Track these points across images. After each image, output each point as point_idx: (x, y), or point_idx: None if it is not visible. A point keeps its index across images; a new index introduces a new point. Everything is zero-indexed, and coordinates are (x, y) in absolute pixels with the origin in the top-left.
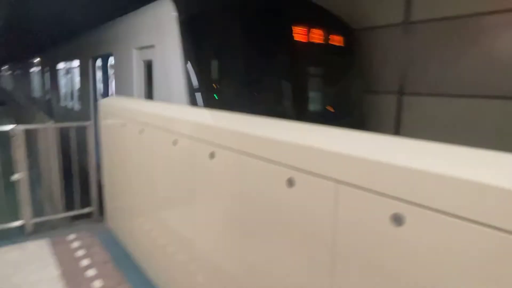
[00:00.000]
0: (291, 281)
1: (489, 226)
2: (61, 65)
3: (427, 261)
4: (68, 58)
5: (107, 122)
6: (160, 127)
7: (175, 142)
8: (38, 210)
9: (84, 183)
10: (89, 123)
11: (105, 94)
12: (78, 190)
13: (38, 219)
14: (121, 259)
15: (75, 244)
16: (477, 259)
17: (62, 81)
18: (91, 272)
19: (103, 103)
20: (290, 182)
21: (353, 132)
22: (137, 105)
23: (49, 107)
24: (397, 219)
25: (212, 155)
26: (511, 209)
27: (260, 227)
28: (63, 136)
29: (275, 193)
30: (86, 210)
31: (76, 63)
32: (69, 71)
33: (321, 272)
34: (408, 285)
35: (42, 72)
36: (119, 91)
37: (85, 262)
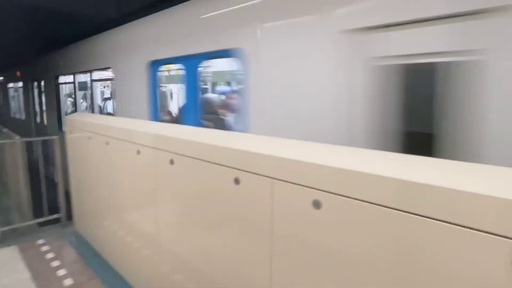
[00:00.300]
0: (240, 261)
1: (380, 205)
2: (67, 78)
3: (339, 235)
4: (87, 66)
5: (73, 136)
6: (125, 139)
7: (138, 152)
8: (7, 219)
9: (51, 191)
10: (55, 137)
11: (193, 119)
12: (45, 198)
13: (5, 228)
14: (90, 258)
15: (44, 248)
16: (372, 231)
17: (69, 99)
18: (61, 272)
19: (68, 118)
20: (237, 181)
21: (284, 140)
22: (102, 120)
23: (41, 133)
24: (317, 204)
25: (171, 162)
26: (384, 190)
27: (214, 219)
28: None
29: (225, 190)
30: (54, 216)
31: (104, 73)
32: (86, 86)
33: (263, 250)
34: (327, 254)
35: (27, 87)
36: (257, 121)
37: (55, 263)
